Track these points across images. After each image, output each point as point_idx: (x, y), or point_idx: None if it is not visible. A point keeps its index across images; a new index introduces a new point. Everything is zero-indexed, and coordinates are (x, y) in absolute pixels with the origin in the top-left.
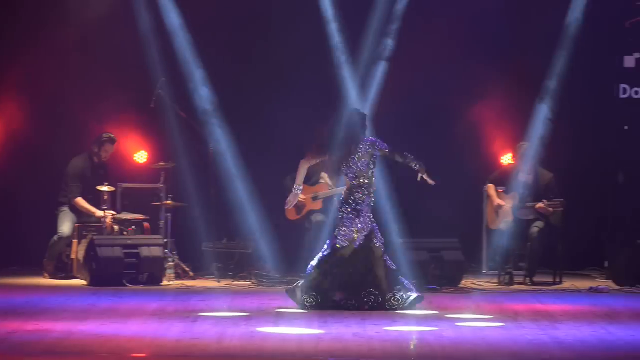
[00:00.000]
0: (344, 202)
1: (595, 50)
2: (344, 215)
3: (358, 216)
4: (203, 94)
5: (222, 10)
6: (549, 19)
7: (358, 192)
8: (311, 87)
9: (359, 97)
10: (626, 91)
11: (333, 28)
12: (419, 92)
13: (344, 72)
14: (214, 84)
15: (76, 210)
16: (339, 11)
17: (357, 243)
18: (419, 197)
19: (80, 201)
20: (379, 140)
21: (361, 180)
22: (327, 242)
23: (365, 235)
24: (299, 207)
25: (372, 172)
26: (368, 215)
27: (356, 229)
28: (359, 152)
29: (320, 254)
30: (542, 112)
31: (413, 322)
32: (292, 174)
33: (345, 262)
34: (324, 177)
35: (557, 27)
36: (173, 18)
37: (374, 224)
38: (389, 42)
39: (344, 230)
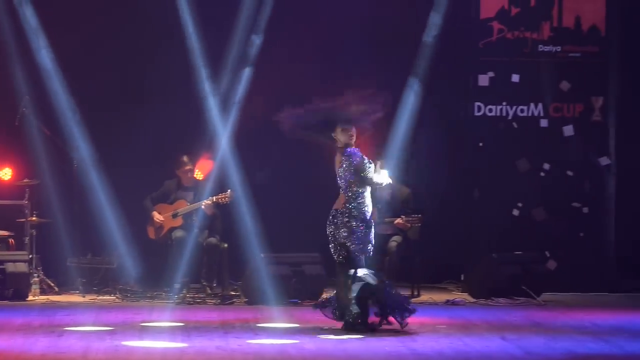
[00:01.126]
0: (340, 213)
1: (451, 69)
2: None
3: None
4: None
5: (85, 24)
6: (405, 38)
7: (347, 203)
8: (175, 104)
9: (220, 110)
10: (481, 109)
11: (194, 41)
12: (278, 105)
13: (206, 86)
14: (77, 101)
15: None
16: (201, 26)
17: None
18: (280, 211)
19: None
20: (354, 152)
21: (353, 190)
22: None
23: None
24: (158, 228)
25: (359, 182)
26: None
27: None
28: (344, 163)
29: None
30: (400, 128)
31: (275, 336)
32: (152, 193)
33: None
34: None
35: (414, 46)
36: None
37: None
38: (250, 55)
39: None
